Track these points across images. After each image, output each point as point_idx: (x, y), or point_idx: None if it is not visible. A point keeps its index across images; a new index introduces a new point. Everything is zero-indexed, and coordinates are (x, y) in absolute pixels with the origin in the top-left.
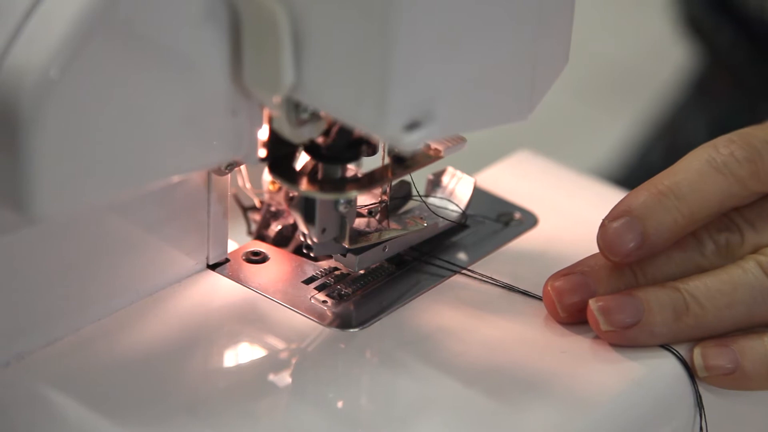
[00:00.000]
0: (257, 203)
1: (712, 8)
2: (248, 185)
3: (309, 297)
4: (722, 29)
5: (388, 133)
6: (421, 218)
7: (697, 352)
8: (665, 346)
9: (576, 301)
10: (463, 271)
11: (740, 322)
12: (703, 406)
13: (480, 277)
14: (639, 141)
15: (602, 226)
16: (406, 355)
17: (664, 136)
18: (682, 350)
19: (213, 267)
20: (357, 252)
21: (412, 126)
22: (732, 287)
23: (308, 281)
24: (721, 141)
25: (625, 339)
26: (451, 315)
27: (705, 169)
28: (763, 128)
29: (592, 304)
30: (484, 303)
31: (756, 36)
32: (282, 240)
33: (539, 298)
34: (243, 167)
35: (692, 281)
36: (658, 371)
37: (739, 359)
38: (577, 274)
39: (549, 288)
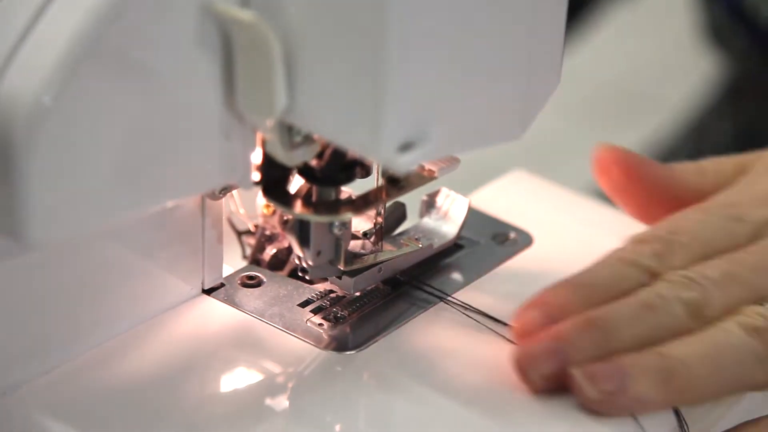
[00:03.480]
0: (252, 227)
1: (731, 17)
2: (242, 210)
3: (305, 320)
4: (739, 38)
5: (382, 155)
6: (416, 239)
7: (578, 372)
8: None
9: (551, 368)
10: (453, 302)
11: (729, 386)
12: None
13: (464, 311)
14: (664, 147)
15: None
16: (403, 377)
17: (688, 143)
18: None
19: (208, 292)
20: (352, 274)
21: (406, 147)
22: (717, 351)
23: (304, 304)
24: (630, 240)
25: (612, 406)
26: (447, 336)
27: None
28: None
29: (576, 373)
30: (481, 323)
31: (766, 44)
32: (277, 264)
33: None
34: (236, 192)
35: (675, 347)
36: None
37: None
38: (549, 340)
39: (518, 357)
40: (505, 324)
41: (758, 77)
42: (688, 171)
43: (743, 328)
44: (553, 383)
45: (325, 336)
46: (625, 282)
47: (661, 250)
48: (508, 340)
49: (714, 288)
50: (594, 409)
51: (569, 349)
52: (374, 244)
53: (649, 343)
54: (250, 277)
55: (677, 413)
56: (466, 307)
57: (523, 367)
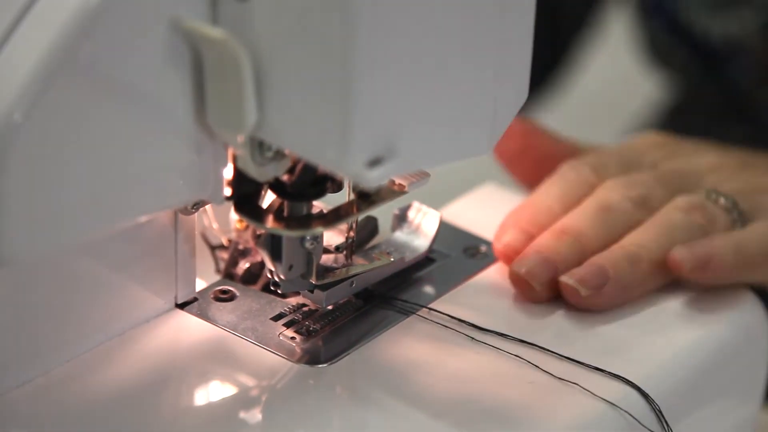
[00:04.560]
0: (225, 242)
1: (669, 32)
2: (215, 224)
3: (278, 334)
4: (679, 53)
5: (351, 170)
6: (388, 253)
7: (678, 249)
8: (629, 381)
9: (547, 276)
10: (430, 310)
11: None
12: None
13: (442, 321)
14: None
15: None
16: (375, 390)
17: None
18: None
19: (181, 306)
20: (324, 288)
21: (375, 162)
22: (668, 228)
23: (277, 318)
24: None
25: (604, 298)
26: (419, 348)
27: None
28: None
29: (567, 280)
30: (452, 336)
31: (703, 56)
32: (250, 278)
33: (503, 335)
34: (209, 206)
35: (632, 237)
36: (623, 402)
37: (710, 248)
38: (535, 253)
39: (518, 272)
40: (479, 328)
41: (700, 92)
42: (575, 143)
43: (682, 209)
44: (549, 291)
45: (297, 349)
46: (574, 195)
47: (597, 165)
48: (482, 343)
49: (652, 184)
50: (587, 306)
51: (555, 257)
52: (346, 258)
53: (612, 240)
54: (223, 291)
55: (662, 421)
56: (443, 315)
57: (523, 281)
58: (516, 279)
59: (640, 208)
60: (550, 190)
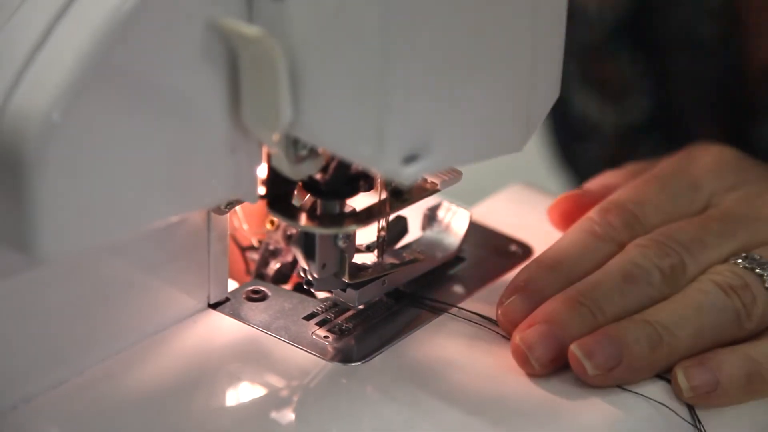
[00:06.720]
0: (255, 243)
1: (573, 135)
2: (245, 225)
3: (310, 333)
4: (585, 154)
5: (387, 167)
6: (419, 252)
7: (680, 374)
8: (661, 376)
9: (549, 353)
10: (461, 309)
11: (711, 344)
12: (701, 422)
13: (473, 320)
14: None
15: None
16: (408, 388)
17: None
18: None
19: (214, 306)
20: (357, 287)
21: (410, 159)
22: (697, 311)
23: (309, 317)
24: (595, 212)
25: (610, 380)
26: (451, 347)
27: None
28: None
29: (576, 350)
30: (483, 334)
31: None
32: (281, 278)
33: None
34: (239, 207)
35: (658, 312)
36: (656, 396)
37: (717, 376)
38: (540, 324)
39: (518, 342)
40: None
41: None
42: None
43: (720, 287)
44: (551, 367)
45: (330, 348)
46: (598, 254)
47: (629, 220)
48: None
49: (686, 252)
50: (590, 382)
51: (561, 330)
52: (377, 256)
53: (633, 312)
54: (255, 291)
55: (693, 414)
56: (471, 313)
57: (522, 354)
58: (516, 350)
59: (670, 282)
60: (572, 249)
